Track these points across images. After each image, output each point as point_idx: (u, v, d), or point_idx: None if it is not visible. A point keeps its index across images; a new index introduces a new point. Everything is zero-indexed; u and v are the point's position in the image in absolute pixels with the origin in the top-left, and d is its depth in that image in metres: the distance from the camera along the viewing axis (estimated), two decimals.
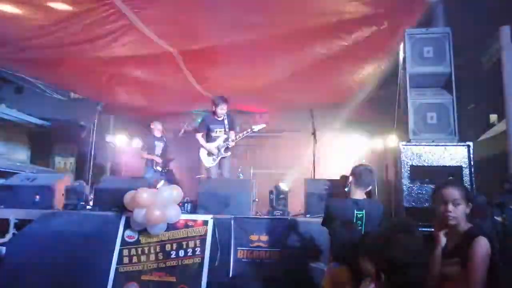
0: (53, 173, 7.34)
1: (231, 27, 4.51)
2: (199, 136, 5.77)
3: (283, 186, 4.50)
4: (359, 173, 3.00)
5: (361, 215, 2.87)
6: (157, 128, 6.83)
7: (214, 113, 5.71)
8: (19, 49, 5.00)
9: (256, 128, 5.71)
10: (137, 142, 7.87)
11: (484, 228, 2.36)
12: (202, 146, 5.72)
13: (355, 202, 2.92)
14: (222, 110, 5.64)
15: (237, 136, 5.69)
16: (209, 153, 5.70)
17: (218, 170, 5.75)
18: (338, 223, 2.77)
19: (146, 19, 4.23)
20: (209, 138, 5.75)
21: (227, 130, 5.71)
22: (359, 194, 2.96)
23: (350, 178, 3.03)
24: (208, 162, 5.71)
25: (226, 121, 5.71)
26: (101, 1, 3.83)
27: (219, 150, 5.66)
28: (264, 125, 5.83)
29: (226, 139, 5.66)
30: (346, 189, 3.07)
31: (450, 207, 2.15)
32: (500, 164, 3.83)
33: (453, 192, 2.19)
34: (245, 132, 5.70)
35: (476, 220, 2.41)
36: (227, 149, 5.69)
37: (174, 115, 9.05)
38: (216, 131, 5.73)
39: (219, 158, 5.69)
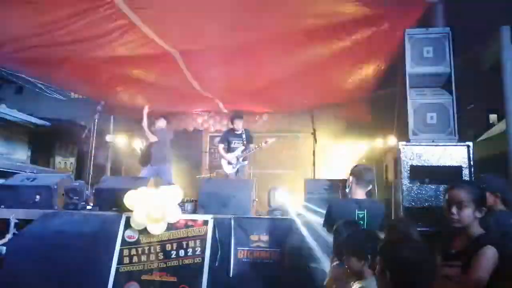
0: (53, 173, 7.34)
1: (232, 28, 4.51)
2: (221, 148, 6.57)
3: (278, 195, 4.48)
4: (359, 173, 3.00)
5: (363, 215, 2.87)
6: (158, 125, 6.78)
7: (233, 128, 6.55)
8: (19, 49, 5.00)
9: (269, 141, 6.46)
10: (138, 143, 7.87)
11: (495, 235, 2.22)
12: (223, 157, 6.48)
13: (357, 202, 2.92)
14: (239, 123, 6.44)
15: (256, 148, 6.50)
16: (229, 162, 6.46)
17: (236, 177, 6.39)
18: (341, 223, 2.78)
19: (146, 19, 4.23)
20: (229, 149, 6.52)
21: (244, 142, 6.46)
22: (360, 194, 2.96)
23: (350, 178, 3.03)
24: (228, 169, 6.47)
25: (244, 135, 6.49)
26: (101, 0, 3.83)
27: (237, 159, 6.42)
28: (274, 139, 6.60)
29: (243, 150, 6.42)
30: (346, 190, 3.07)
31: (454, 209, 2.06)
32: (500, 164, 3.82)
33: (459, 194, 2.07)
34: (257, 147, 6.48)
35: (490, 221, 2.28)
36: (244, 158, 6.49)
37: (174, 115, 9.06)
38: (235, 143, 6.50)
39: (238, 166, 6.42)
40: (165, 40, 4.72)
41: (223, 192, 4.45)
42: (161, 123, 6.79)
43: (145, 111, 6.59)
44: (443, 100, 3.67)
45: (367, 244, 2.37)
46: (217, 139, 7.20)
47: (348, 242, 2.48)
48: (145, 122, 6.57)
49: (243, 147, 6.46)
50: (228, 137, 6.61)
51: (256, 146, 6.50)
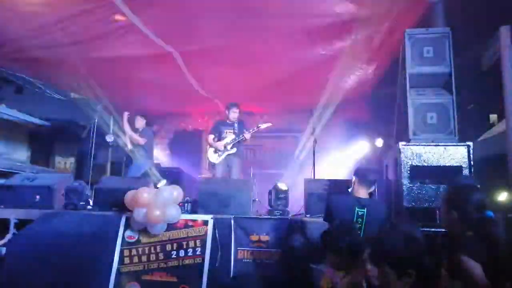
0: (53, 173, 7.33)
1: (231, 29, 4.51)
2: (210, 138, 6.10)
3: (282, 186, 4.49)
4: (363, 173, 3.00)
5: (362, 213, 2.86)
6: (141, 125, 6.60)
7: (227, 117, 6.09)
8: (19, 49, 5.00)
9: (262, 126, 6.03)
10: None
11: None
12: (211, 145, 6.05)
13: (357, 200, 2.91)
14: (234, 113, 6.01)
15: (250, 132, 5.97)
16: (216, 150, 6.01)
17: (226, 169, 5.98)
18: (337, 221, 2.78)
19: (146, 19, 4.23)
20: (219, 138, 6.08)
21: (236, 131, 6.02)
22: (362, 194, 2.96)
23: (354, 178, 3.03)
24: (213, 158, 6.01)
25: (236, 125, 6.07)
26: (101, 1, 3.84)
27: (225, 146, 5.96)
28: (270, 124, 6.14)
29: (234, 139, 5.97)
30: (349, 190, 3.07)
31: None
32: (500, 164, 3.82)
33: None
34: (251, 130, 5.97)
35: None
36: (233, 145, 5.97)
37: (174, 115, 9.07)
38: (226, 132, 6.08)
39: (224, 154, 5.95)
40: (164, 40, 4.72)
41: (223, 192, 4.44)
42: (142, 122, 6.36)
43: (125, 118, 6.19)
44: (443, 100, 3.68)
45: (342, 240, 2.40)
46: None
47: (325, 239, 2.52)
48: (127, 128, 6.18)
49: (233, 136, 6.00)
50: (219, 127, 6.14)
51: (247, 131, 5.91)
